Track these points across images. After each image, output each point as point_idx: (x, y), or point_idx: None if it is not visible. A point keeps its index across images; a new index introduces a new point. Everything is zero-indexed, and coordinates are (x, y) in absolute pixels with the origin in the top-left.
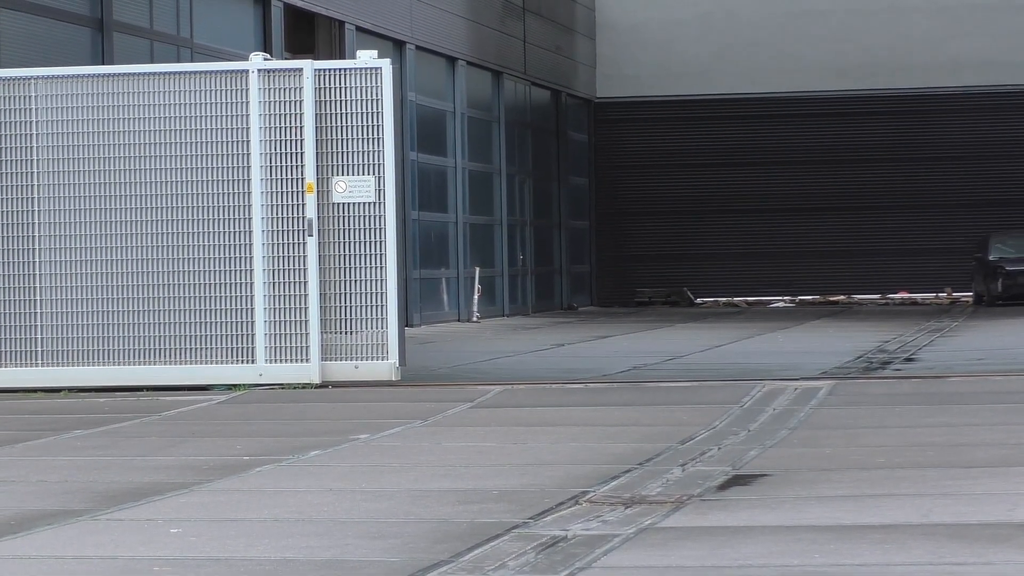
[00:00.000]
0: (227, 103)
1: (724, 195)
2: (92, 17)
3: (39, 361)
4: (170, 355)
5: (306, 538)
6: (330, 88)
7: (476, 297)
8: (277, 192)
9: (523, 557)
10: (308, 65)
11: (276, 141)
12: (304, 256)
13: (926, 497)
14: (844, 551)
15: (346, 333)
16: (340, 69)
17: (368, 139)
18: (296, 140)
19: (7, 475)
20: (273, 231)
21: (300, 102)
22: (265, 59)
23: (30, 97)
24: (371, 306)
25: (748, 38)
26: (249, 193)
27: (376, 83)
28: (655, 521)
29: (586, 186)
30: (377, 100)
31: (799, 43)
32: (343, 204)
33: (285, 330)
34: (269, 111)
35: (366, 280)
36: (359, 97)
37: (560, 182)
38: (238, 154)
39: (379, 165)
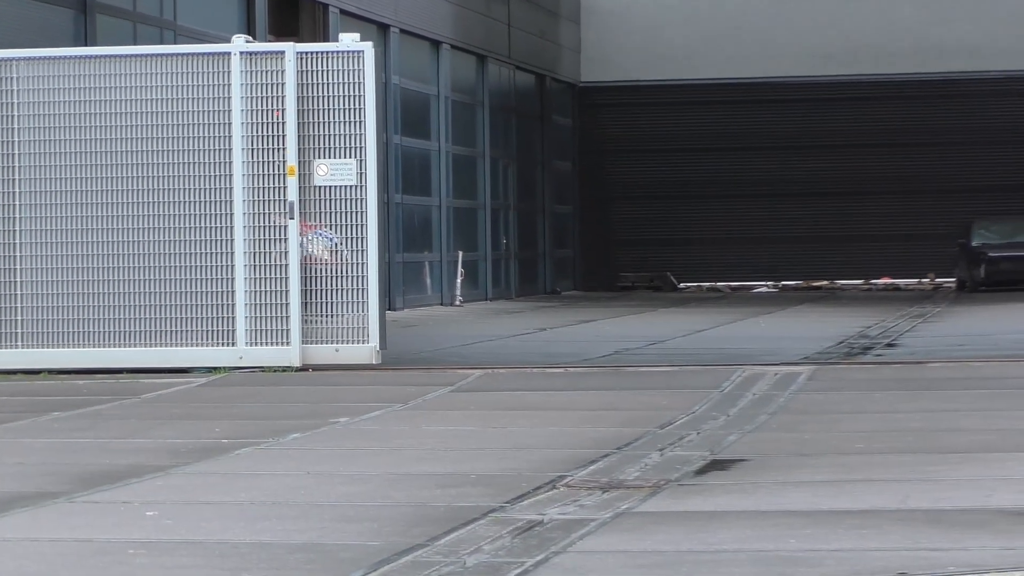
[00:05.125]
0: (209, 85)
1: (708, 180)
2: None
3: (18, 343)
4: (150, 337)
5: (282, 521)
6: (312, 71)
7: (459, 281)
8: (259, 175)
9: (499, 541)
10: (290, 48)
11: (258, 124)
12: (285, 239)
13: (904, 483)
14: (820, 536)
15: (327, 316)
16: (322, 52)
17: (350, 122)
18: (278, 123)
19: None
20: (254, 214)
21: (282, 85)
22: (247, 42)
23: (11, 79)
24: (352, 289)
25: (733, 23)
26: (231, 176)
27: (358, 66)
28: (632, 506)
29: (570, 170)
30: (359, 83)
31: (784, 28)
32: (325, 187)
33: (265, 313)
34: (251, 94)
35: (347, 263)
36: (341, 80)
37: (544, 166)
38: (220, 136)
39: (361, 148)
